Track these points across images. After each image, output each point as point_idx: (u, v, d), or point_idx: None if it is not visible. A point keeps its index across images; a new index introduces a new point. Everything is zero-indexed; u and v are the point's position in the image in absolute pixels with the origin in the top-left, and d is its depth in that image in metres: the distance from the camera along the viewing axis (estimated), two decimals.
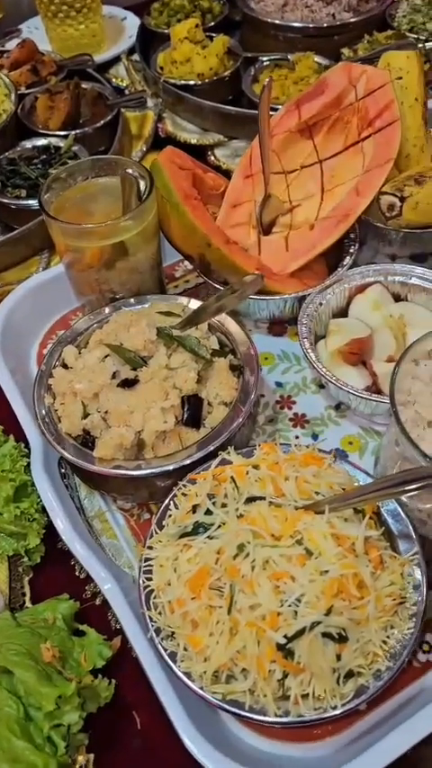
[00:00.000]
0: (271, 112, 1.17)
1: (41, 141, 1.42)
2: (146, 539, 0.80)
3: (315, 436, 1.03)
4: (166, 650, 0.71)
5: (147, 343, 0.93)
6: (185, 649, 0.70)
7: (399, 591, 0.70)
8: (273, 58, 1.55)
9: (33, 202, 1.29)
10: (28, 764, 0.70)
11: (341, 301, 1.10)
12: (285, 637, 0.64)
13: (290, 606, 0.65)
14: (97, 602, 0.90)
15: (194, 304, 1.01)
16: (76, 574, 0.93)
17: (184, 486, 0.81)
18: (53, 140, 1.42)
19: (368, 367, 1.02)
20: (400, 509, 0.78)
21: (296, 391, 1.08)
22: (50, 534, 0.93)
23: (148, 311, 1.02)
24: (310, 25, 1.59)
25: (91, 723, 0.79)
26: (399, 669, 0.68)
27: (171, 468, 0.85)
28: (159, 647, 0.71)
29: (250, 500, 0.74)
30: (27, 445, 0.99)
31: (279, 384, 1.09)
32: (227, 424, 0.89)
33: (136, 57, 1.75)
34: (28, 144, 1.42)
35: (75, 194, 1.07)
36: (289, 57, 1.53)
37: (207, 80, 1.53)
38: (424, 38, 1.56)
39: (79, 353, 0.99)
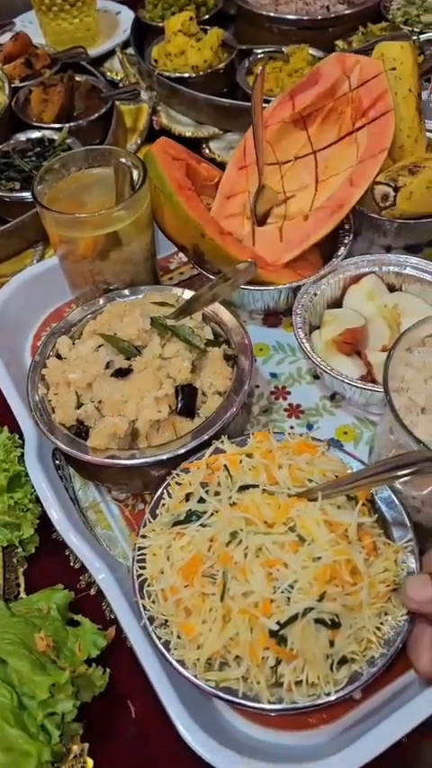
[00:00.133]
0: (264, 104, 1.17)
1: (35, 134, 1.42)
2: (139, 528, 0.79)
3: (310, 426, 1.02)
4: (159, 638, 0.71)
5: (140, 333, 0.93)
6: (179, 637, 0.70)
7: (392, 577, 0.70)
8: (267, 50, 1.55)
9: (27, 195, 1.29)
10: (22, 753, 0.69)
11: (336, 292, 1.10)
12: (278, 623, 0.64)
13: (282, 593, 0.65)
14: (92, 592, 0.90)
15: (189, 294, 1.01)
16: (71, 564, 0.93)
17: (178, 475, 0.80)
18: (47, 133, 1.41)
19: (363, 357, 1.02)
20: (394, 496, 0.78)
21: (291, 382, 1.08)
22: (45, 525, 0.93)
23: (142, 302, 1.02)
24: (305, 17, 1.58)
25: (85, 712, 0.79)
26: (392, 656, 0.68)
27: (165, 457, 0.85)
28: (153, 635, 0.71)
29: (243, 488, 0.74)
30: (21, 436, 0.99)
31: (274, 375, 1.09)
32: (221, 413, 0.89)
33: (130, 50, 1.74)
34: (22, 137, 1.42)
35: (68, 185, 1.07)
36: (283, 49, 1.53)
37: (201, 72, 1.52)
38: (418, 30, 1.55)
39: (73, 344, 0.98)
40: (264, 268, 1.07)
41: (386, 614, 0.69)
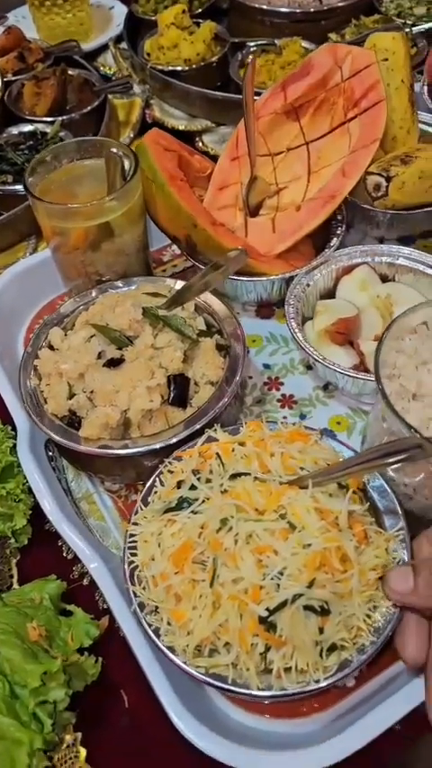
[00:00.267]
0: (255, 97, 1.17)
1: (28, 127, 1.42)
2: (131, 516, 0.79)
3: (303, 416, 1.02)
4: (150, 625, 0.71)
5: (132, 323, 0.93)
6: (169, 624, 0.70)
7: (383, 565, 0.70)
8: (260, 43, 1.55)
9: (20, 188, 1.29)
10: (13, 741, 0.69)
11: (328, 282, 1.10)
12: (267, 609, 0.64)
13: (272, 579, 0.65)
14: (85, 582, 0.90)
15: (181, 285, 1.01)
16: (64, 555, 0.93)
17: (170, 463, 0.80)
18: (40, 126, 1.41)
19: (355, 346, 1.01)
20: (386, 485, 0.78)
21: (284, 372, 1.08)
22: (37, 516, 0.93)
23: (135, 292, 1.02)
24: (298, 10, 1.58)
25: (78, 702, 0.79)
26: (382, 643, 0.68)
27: (157, 446, 0.85)
28: (143, 621, 0.71)
29: (235, 476, 0.73)
30: (14, 427, 0.99)
31: (267, 366, 1.09)
32: (213, 402, 0.89)
33: (124, 45, 1.74)
34: (14, 130, 1.42)
35: (60, 176, 1.07)
36: (276, 42, 1.53)
37: (194, 66, 1.52)
38: (411, 22, 1.55)
39: (65, 335, 0.98)
40: (256, 259, 1.07)
41: (376, 602, 0.69)
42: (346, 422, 1.01)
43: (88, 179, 1.07)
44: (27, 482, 0.93)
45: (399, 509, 0.75)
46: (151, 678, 0.74)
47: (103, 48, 1.80)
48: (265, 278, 1.06)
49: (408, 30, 1.51)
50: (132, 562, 0.74)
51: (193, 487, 0.74)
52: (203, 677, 0.67)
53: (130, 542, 0.75)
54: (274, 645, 0.65)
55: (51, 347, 0.97)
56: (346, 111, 1.13)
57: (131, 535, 0.76)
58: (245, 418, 1.02)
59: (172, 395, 0.90)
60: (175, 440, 0.85)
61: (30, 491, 0.93)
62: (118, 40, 1.78)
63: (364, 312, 1.05)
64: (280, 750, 0.71)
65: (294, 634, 0.65)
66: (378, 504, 0.76)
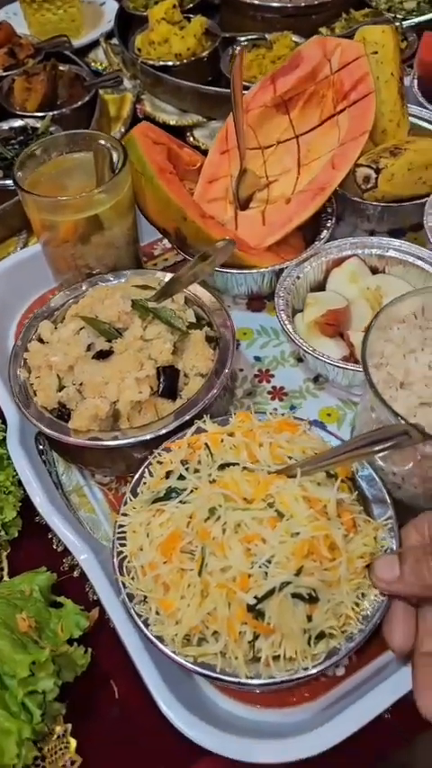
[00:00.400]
0: (245, 91, 1.17)
1: (18, 122, 1.41)
2: (120, 508, 0.79)
3: (293, 408, 1.02)
4: (139, 616, 0.71)
5: (121, 315, 0.93)
6: (157, 613, 0.70)
7: (371, 553, 0.70)
8: (250, 37, 1.55)
9: (10, 183, 1.28)
10: (2, 731, 0.69)
11: (319, 275, 1.10)
12: (255, 597, 0.64)
13: (260, 567, 0.65)
14: (75, 574, 0.90)
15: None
16: (54, 547, 0.93)
17: (159, 454, 0.80)
18: (30, 121, 1.41)
19: (345, 338, 1.02)
20: (374, 474, 0.78)
21: (275, 365, 1.08)
22: (27, 508, 0.93)
23: (124, 285, 1.02)
24: (289, 5, 1.58)
25: (68, 693, 0.79)
26: (370, 631, 0.68)
27: (147, 437, 0.85)
28: (132, 611, 0.71)
29: (224, 466, 0.73)
30: (4, 421, 0.99)
31: (257, 358, 1.09)
32: (202, 394, 0.89)
33: (115, 41, 1.74)
34: (5, 125, 1.42)
35: (49, 170, 1.06)
36: (267, 36, 1.53)
37: (185, 60, 1.52)
38: (401, 17, 1.56)
39: (55, 328, 0.98)
40: (246, 251, 1.07)
41: (365, 590, 0.69)
42: (336, 413, 1.01)
43: (78, 172, 1.07)
44: (17, 475, 0.92)
45: (387, 498, 0.75)
46: (140, 668, 0.74)
47: (95, 44, 1.80)
48: (255, 270, 1.06)
49: (398, 24, 1.52)
50: (121, 552, 0.74)
51: (181, 477, 0.74)
52: (192, 666, 0.67)
53: (118, 533, 0.75)
54: (263, 633, 0.65)
55: (41, 340, 0.97)
56: (335, 103, 1.14)
57: (120, 526, 0.76)
58: (235, 410, 1.02)
59: (161, 386, 0.90)
60: (164, 431, 0.85)
61: (20, 484, 0.92)
62: (109, 35, 1.78)
63: (353, 304, 1.05)
64: (270, 739, 0.71)
65: (282, 622, 0.65)
66: (367, 493, 0.76)
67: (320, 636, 0.67)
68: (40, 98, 1.43)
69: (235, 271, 1.06)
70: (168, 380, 0.90)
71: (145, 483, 0.79)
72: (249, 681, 0.66)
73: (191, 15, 1.60)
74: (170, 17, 1.54)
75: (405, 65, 1.43)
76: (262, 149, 1.19)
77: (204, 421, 0.82)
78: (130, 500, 0.78)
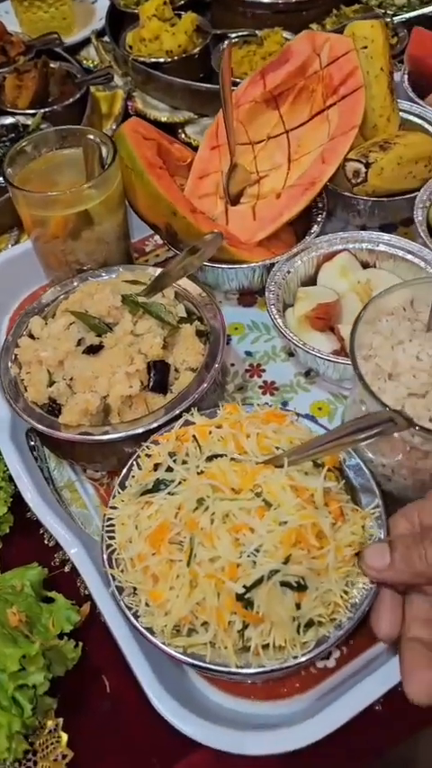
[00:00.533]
0: (234, 88, 1.17)
1: (9, 120, 1.41)
2: (109, 501, 0.79)
3: (285, 403, 1.03)
4: (129, 608, 0.71)
5: (111, 309, 0.93)
6: (147, 605, 0.70)
7: (359, 542, 0.70)
8: (241, 34, 1.55)
9: (0, 179, 1.28)
10: None
11: (310, 270, 1.10)
12: (244, 587, 0.64)
13: (248, 557, 0.65)
14: (66, 569, 0.90)
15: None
16: (45, 542, 0.92)
17: (148, 447, 0.80)
18: (21, 119, 1.41)
19: (336, 332, 1.02)
20: (362, 464, 0.78)
21: (266, 359, 1.08)
22: (19, 504, 0.93)
23: (115, 281, 1.02)
24: (280, 1, 1.58)
25: (60, 687, 0.79)
26: (359, 619, 0.68)
27: (138, 432, 0.85)
28: (121, 603, 0.71)
29: (211, 457, 0.74)
30: None
31: (249, 353, 1.09)
32: (193, 388, 0.89)
33: (106, 38, 1.74)
34: None
35: (39, 166, 1.07)
36: (257, 33, 1.53)
37: (176, 57, 1.52)
38: (392, 12, 1.56)
39: (46, 324, 0.98)
40: (237, 247, 1.07)
41: (353, 578, 0.69)
42: (327, 407, 1.01)
43: (68, 168, 1.07)
44: (8, 470, 0.92)
45: (375, 487, 0.76)
46: (131, 661, 0.74)
47: (87, 41, 1.80)
48: (245, 265, 1.06)
49: (389, 19, 1.52)
50: (110, 545, 0.74)
51: (169, 469, 0.74)
52: (182, 657, 0.68)
53: (107, 526, 0.75)
54: (252, 621, 0.66)
55: (32, 336, 0.97)
56: (324, 98, 1.14)
57: (109, 519, 0.76)
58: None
59: (152, 381, 0.90)
60: (155, 425, 0.85)
61: (11, 479, 0.92)
62: (100, 33, 1.78)
63: (344, 298, 1.05)
64: (259, 730, 0.71)
65: (271, 610, 0.65)
66: (354, 483, 0.77)
67: (309, 624, 0.67)
68: (31, 95, 1.43)
69: (226, 266, 1.06)
70: (159, 375, 0.90)
71: (133, 476, 0.79)
72: (239, 670, 0.66)
73: (182, 12, 1.60)
74: (161, 14, 1.54)
75: (395, 60, 1.44)
76: (252, 145, 1.20)
77: (192, 413, 0.82)
78: (119, 493, 0.78)
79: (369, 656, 0.79)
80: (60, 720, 0.79)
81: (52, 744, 0.78)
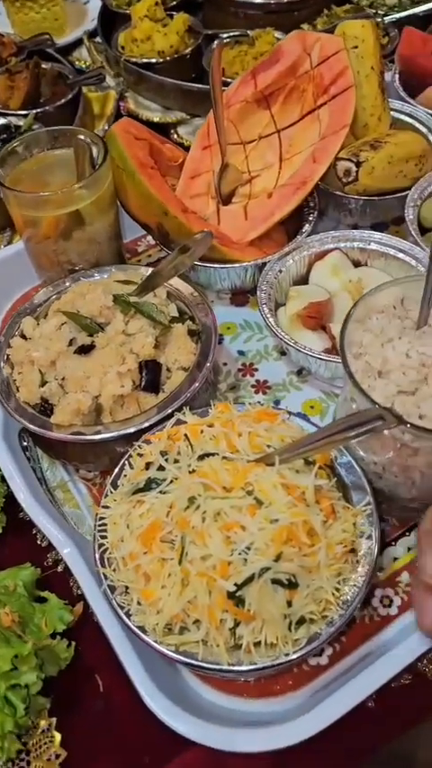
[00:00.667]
0: (226, 88, 1.18)
1: (1, 121, 1.41)
2: (101, 500, 0.79)
3: (277, 401, 1.03)
4: (121, 607, 0.71)
5: (103, 309, 0.93)
6: (139, 603, 0.70)
7: (350, 539, 0.70)
8: (233, 34, 1.55)
9: None
10: None
11: (301, 269, 1.11)
12: (235, 584, 0.65)
13: (240, 554, 0.65)
14: (59, 569, 0.90)
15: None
16: (38, 543, 0.93)
17: (139, 446, 0.80)
18: (12, 119, 1.41)
19: (327, 330, 1.02)
20: (353, 462, 0.78)
21: (258, 358, 1.08)
22: (11, 505, 0.93)
23: (107, 281, 1.02)
24: (271, 2, 1.59)
25: (53, 687, 0.79)
26: (350, 615, 0.68)
27: (130, 431, 0.85)
28: (113, 602, 0.71)
29: (203, 456, 0.74)
30: None
31: (241, 352, 1.10)
32: (185, 387, 0.89)
33: (99, 39, 1.74)
34: None
35: (31, 167, 1.07)
36: (249, 33, 1.53)
37: (168, 58, 1.52)
38: (383, 12, 1.56)
39: (38, 324, 0.98)
40: (229, 246, 1.07)
41: (345, 575, 0.69)
42: (319, 406, 1.01)
43: (59, 168, 1.07)
44: (1, 471, 0.92)
45: (366, 485, 0.76)
46: (124, 660, 0.74)
47: (79, 42, 1.79)
48: (237, 265, 1.07)
49: (380, 19, 1.52)
50: (102, 545, 0.74)
51: (161, 468, 0.74)
52: (174, 655, 0.68)
53: (99, 525, 0.76)
54: (243, 619, 0.66)
55: (24, 336, 0.97)
56: (315, 97, 1.14)
57: (101, 518, 0.76)
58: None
59: (144, 380, 0.90)
60: (147, 424, 0.85)
61: (3, 480, 0.93)
62: (93, 33, 1.78)
63: (336, 296, 1.05)
64: (253, 728, 0.71)
65: (263, 608, 0.65)
66: (346, 480, 0.77)
67: (301, 621, 0.67)
68: (23, 96, 1.43)
69: (218, 265, 1.06)
70: (151, 374, 0.90)
71: (125, 475, 0.79)
72: (231, 667, 0.66)
73: (173, 13, 1.60)
74: (153, 14, 1.54)
75: (387, 60, 1.44)
76: (244, 144, 1.20)
77: (184, 413, 0.82)
78: (111, 492, 0.78)
79: (362, 653, 0.79)
80: (54, 720, 0.79)
81: (45, 743, 0.78)
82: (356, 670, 0.75)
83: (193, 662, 0.67)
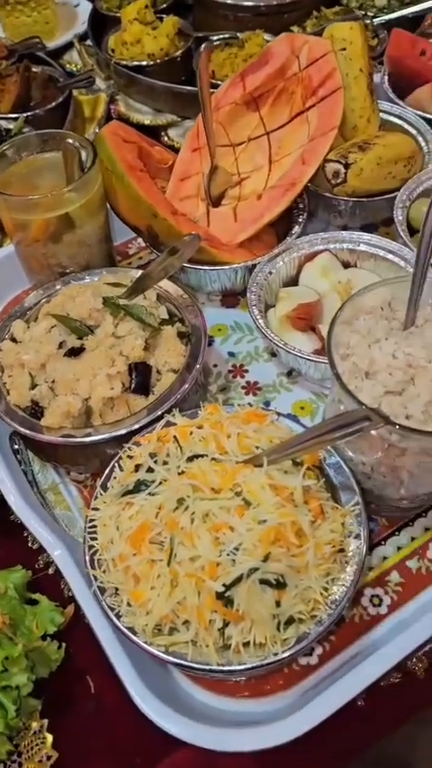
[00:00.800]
0: (214, 89, 1.18)
1: None
2: (91, 502, 0.80)
3: (267, 403, 1.03)
4: (111, 608, 0.71)
5: (92, 312, 0.93)
6: (129, 605, 0.70)
7: (339, 539, 0.71)
8: (222, 36, 1.55)
9: None
10: None
11: (291, 270, 1.11)
12: (224, 585, 0.65)
13: (228, 555, 0.65)
14: (50, 571, 0.90)
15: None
16: (29, 545, 0.93)
17: (129, 449, 0.81)
18: (3, 123, 1.41)
19: (317, 332, 1.02)
20: (342, 462, 0.79)
21: (249, 360, 1.09)
22: (2, 507, 0.92)
23: (97, 283, 1.02)
24: (261, 4, 1.59)
25: (45, 689, 0.79)
26: (338, 615, 0.68)
27: (120, 433, 0.85)
28: (103, 603, 0.71)
29: (192, 458, 0.74)
30: None
31: (232, 354, 1.10)
32: (174, 389, 0.89)
33: (89, 42, 1.74)
34: None
35: (20, 170, 1.07)
36: (239, 35, 1.53)
37: (158, 60, 1.52)
38: (372, 14, 1.57)
39: (28, 327, 0.98)
40: (218, 248, 1.08)
41: (332, 575, 0.70)
42: (309, 406, 1.02)
43: (49, 172, 1.07)
44: None
45: (354, 485, 0.76)
46: (114, 661, 0.74)
47: (70, 45, 1.80)
48: (227, 267, 1.07)
49: (369, 21, 1.53)
50: (92, 546, 0.75)
51: (150, 470, 0.75)
52: (163, 655, 0.68)
53: (89, 527, 0.76)
54: (232, 619, 0.66)
55: (14, 339, 0.98)
56: (304, 99, 1.15)
57: (91, 520, 0.76)
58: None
59: (134, 382, 0.90)
60: (137, 426, 0.86)
61: None
62: (83, 37, 1.78)
63: (325, 298, 1.06)
64: (243, 727, 0.71)
65: (251, 608, 0.65)
66: (334, 481, 0.77)
67: (290, 621, 0.68)
68: (14, 99, 1.43)
69: (208, 267, 1.07)
70: (140, 376, 0.91)
71: (115, 477, 0.80)
72: (220, 667, 0.67)
73: (163, 15, 1.61)
74: (142, 17, 1.54)
75: (376, 61, 1.45)
76: (233, 146, 1.20)
77: (174, 414, 0.83)
78: (101, 494, 0.78)
79: (351, 653, 0.80)
80: (45, 722, 0.80)
81: (37, 745, 0.78)
82: (346, 669, 0.75)
83: (182, 662, 0.68)
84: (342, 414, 0.66)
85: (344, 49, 1.16)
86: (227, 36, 1.52)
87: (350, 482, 0.77)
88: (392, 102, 1.30)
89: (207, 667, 0.67)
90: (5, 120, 1.42)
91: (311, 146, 1.10)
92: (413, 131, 1.24)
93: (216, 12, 1.63)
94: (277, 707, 0.77)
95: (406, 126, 1.25)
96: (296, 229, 1.11)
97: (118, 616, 0.70)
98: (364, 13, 1.57)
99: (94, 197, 1.02)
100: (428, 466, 0.75)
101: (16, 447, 1.00)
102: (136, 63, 1.53)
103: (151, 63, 1.53)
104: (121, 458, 0.81)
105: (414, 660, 0.79)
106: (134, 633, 0.69)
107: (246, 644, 0.67)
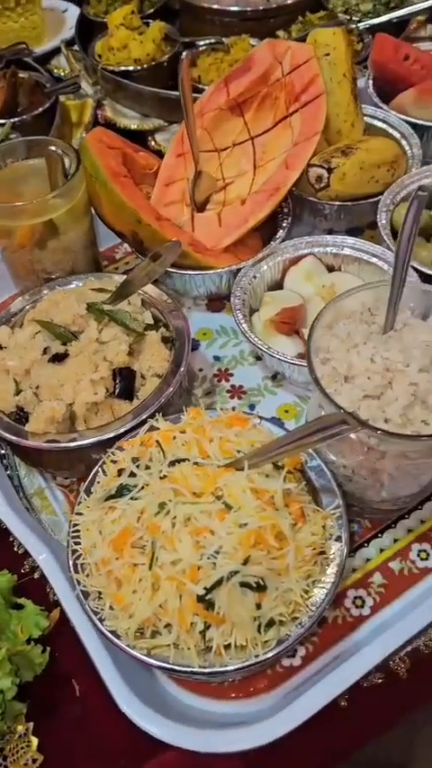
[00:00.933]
0: (198, 94, 1.19)
1: None
2: (74, 506, 0.80)
3: (252, 406, 1.04)
4: (95, 612, 0.72)
5: (76, 318, 0.94)
6: (111, 608, 0.71)
7: (320, 542, 0.71)
8: (209, 42, 1.57)
9: None
10: None
11: (276, 275, 1.12)
12: (205, 588, 0.66)
13: (209, 559, 0.66)
14: (36, 575, 0.90)
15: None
16: (15, 550, 0.93)
17: (113, 453, 0.81)
18: None
19: (301, 335, 1.03)
20: (323, 465, 0.79)
21: (234, 364, 1.10)
22: None
23: (81, 289, 1.03)
24: (247, 9, 1.60)
25: (30, 693, 0.80)
26: (319, 616, 0.69)
27: (104, 438, 0.86)
28: (86, 607, 0.72)
29: (174, 462, 0.75)
30: None
31: (217, 358, 1.11)
32: (158, 393, 0.90)
33: (77, 47, 1.75)
34: None
35: (5, 176, 1.08)
36: (224, 40, 1.54)
37: (144, 66, 1.53)
38: (357, 19, 1.58)
39: (13, 333, 0.99)
40: (203, 253, 1.09)
41: (313, 578, 0.70)
42: (293, 410, 1.03)
43: (34, 178, 1.08)
44: None
45: (335, 488, 0.77)
46: (98, 665, 0.75)
47: (57, 50, 1.80)
48: (212, 271, 1.08)
49: (354, 26, 1.54)
50: (76, 551, 0.75)
51: (132, 475, 0.75)
52: (146, 658, 0.69)
53: (73, 531, 0.76)
54: (213, 622, 0.67)
55: None
56: (287, 105, 1.16)
57: (75, 524, 0.77)
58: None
59: (118, 387, 0.91)
60: (121, 431, 0.86)
61: None
62: (70, 42, 1.79)
63: (309, 302, 1.06)
64: (226, 729, 0.72)
65: (232, 611, 0.66)
66: (316, 484, 0.78)
67: (270, 623, 0.68)
68: (0, 105, 1.44)
69: (193, 272, 1.08)
70: (125, 381, 0.92)
71: (99, 482, 0.80)
72: (202, 669, 0.67)
73: (150, 21, 1.62)
74: (129, 23, 1.55)
75: (361, 66, 1.46)
76: (218, 152, 1.21)
77: (157, 419, 0.83)
78: (85, 499, 0.79)
79: (334, 653, 0.81)
80: (30, 725, 0.80)
81: (22, 748, 0.78)
82: (329, 670, 0.76)
83: (165, 665, 0.68)
84: (320, 417, 0.67)
85: (327, 55, 1.17)
86: (212, 41, 1.54)
87: (331, 485, 0.77)
88: (377, 106, 1.31)
89: (189, 669, 0.68)
90: None
91: (295, 151, 1.11)
92: (397, 135, 1.25)
93: (202, 17, 1.64)
94: (261, 708, 0.78)
95: (390, 130, 1.26)
96: (281, 233, 1.12)
97: (101, 620, 0.71)
98: (349, 17, 1.58)
99: (78, 203, 1.03)
100: (408, 468, 0.76)
101: (2, 452, 1.01)
102: (123, 68, 1.54)
103: (138, 68, 1.53)
104: (104, 462, 0.81)
105: (397, 661, 0.80)
106: (117, 636, 0.70)
107: (227, 646, 0.67)
